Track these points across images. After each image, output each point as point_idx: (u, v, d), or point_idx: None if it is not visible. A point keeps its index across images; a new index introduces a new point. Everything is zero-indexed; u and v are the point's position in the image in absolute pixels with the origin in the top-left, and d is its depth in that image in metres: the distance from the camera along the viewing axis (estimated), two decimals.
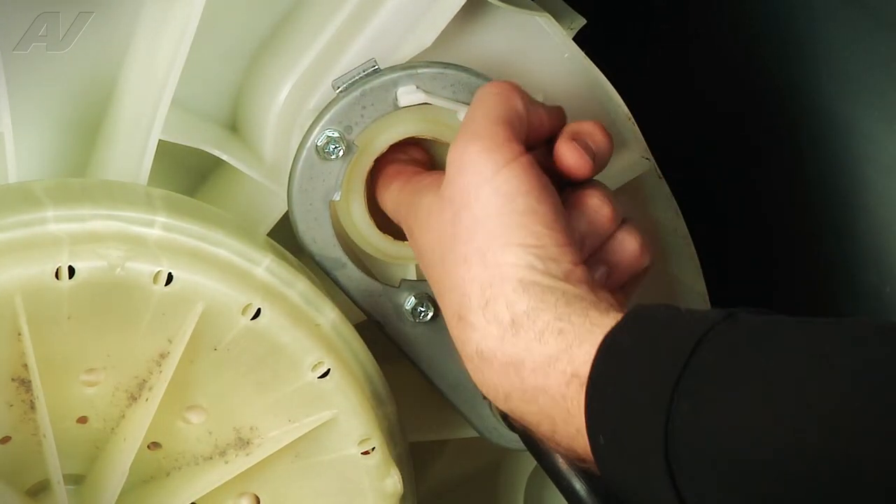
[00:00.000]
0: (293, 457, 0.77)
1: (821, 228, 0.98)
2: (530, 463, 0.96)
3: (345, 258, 0.82)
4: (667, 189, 0.90)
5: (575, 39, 0.87)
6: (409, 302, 0.83)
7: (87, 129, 0.84)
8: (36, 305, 0.71)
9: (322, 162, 0.80)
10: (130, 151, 0.81)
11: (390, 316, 0.84)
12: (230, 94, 0.86)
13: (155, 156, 0.80)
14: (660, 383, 0.61)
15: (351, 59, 0.81)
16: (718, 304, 0.94)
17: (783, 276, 1.03)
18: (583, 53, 0.86)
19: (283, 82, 0.83)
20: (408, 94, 0.79)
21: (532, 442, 0.82)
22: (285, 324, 0.74)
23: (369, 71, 0.80)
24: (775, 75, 0.98)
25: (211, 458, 0.77)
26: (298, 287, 0.77)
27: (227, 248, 0.76)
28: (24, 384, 0.72)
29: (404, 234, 0.84)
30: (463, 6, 0.81)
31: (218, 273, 0.74)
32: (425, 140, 0.83)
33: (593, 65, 0.86)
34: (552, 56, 0.85)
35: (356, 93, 0.80)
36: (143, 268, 0.72)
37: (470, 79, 0.80)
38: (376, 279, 0.83)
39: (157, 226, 0.75)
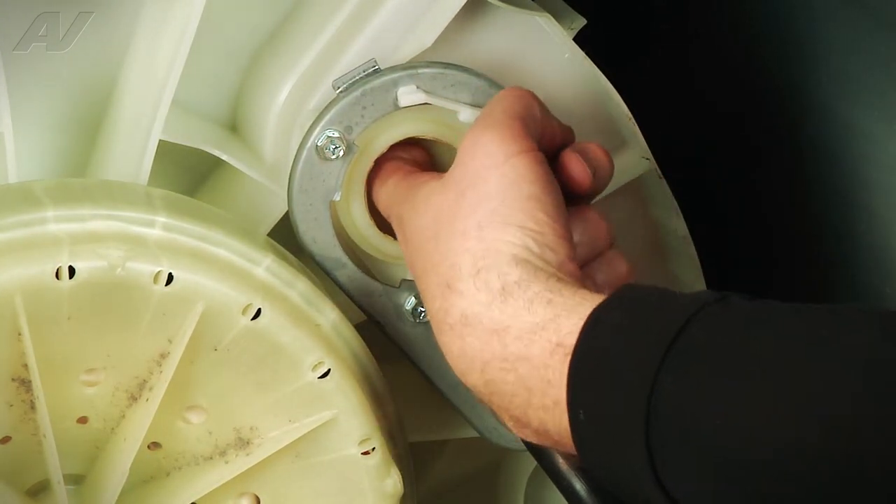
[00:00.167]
0: (293, 457, 0.77)
1: (821, 228, 0.98)
2: (530, 463, 0.96)
3: (345, 258, 0.82)
4: (667, 189, 0.90)
5: (575, 39, 0.87)
6: (409, 302, 0.83)
7: (87, 129, 0.84)
8: (36, 305, 0.71)
9: (322, 162, 0.80)
10: (130, 151, 0.81)
11: (390, 316, 0.84)
12: (230, 94, 0.86)
13: (155, 156, 0.80)
14: (646, 360, 0.61)
15: (351, 59, 0.81)
16: None
17: (783, 276, 1.03)
18: (583, 53, 0.86)
19: (283, 82, 0.83)
20: (408, 95, 0.79)
21: (532, 442, 0.82)
22: (285, 324, 0.74)
23: (369, 71, 0.80)
24: (775, 75, 0.98)
25: (211, 458, 0.77)
26: (299, 287, 0.77)
27: (228, 248, 0.76)
28: (24, 384, 0.72)
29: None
30: (463, 6, 0.81)
31: (218, 273, 0.74)
32: (425, 140, 0.83)
33: (593, 65, 0.86)
34: (552, 56, 0.85)
35: (356, 93, 0.80)
36: (144, 268, 0.72)
37: (470, 79, 0.80)
38: (376, 279, 0.83)
39: (158, 226, 0.75)
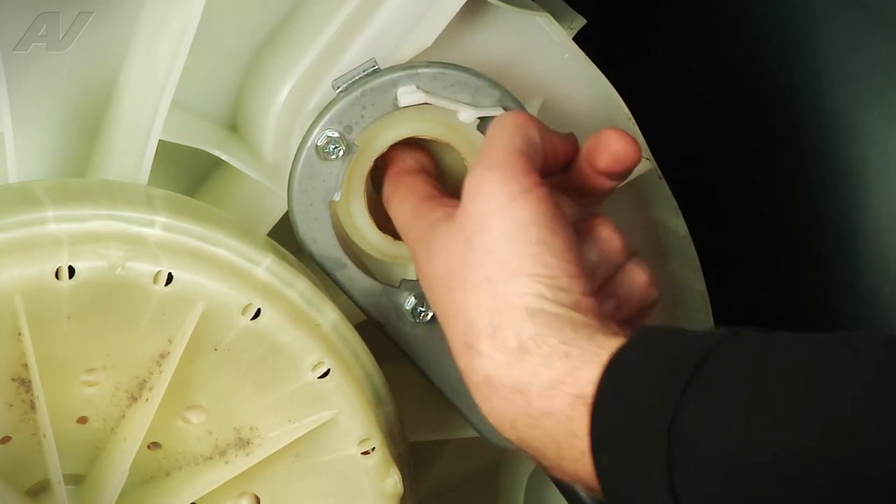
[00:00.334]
0: (293, 457, 0.77)
1: (821, 228, 0.98)
2: (530, 463, 0.96)
3: (345, 258, 0.82)
4: (667, 189, 0.90)
5: (575, 39, 0.87)
6: (409, 302, 0.83)
7: (87, 129, 0.84)
8: (36, 305, 0.71)
9: (322, 162, 0.80)
10: (130, 151, 0.81)
11: (390, 316, 0.84)
12: (230, 94, 0.86)
13: (155, 156, 0.80)
14: (663, 400, 0.61)
15: (351, 59, 0.81)
16: (719, 304, 0.95)
17: (783, 276, 1.03)
18: (583, 53, 0.85)
19: (283, 82, 0.83)
20: (408, 94, 0.79)
21: None
22: (285, 324, 0.74)
23: (369, 71, 0.80)
24: (775, 75, 0.98)
25: (211, 458, 0.77)
26: (298, 287, 0.77)
27: (228, 248, 0.76)
28: (24, 384, 0.72)
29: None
30: (463, 6, 0.81)
31: (218, 273, 0.74)
32: (425, 140, 0.83)
33: (593, 65, 0.86)
34: (552, 56, 0.85)
35: (356, 93, 0.80)
36: (144, 268, 0.72)
37: (470, 79, 0.80)
38: (376, 279, 0.83)
39: (158, 226, 0.75)
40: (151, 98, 0.80)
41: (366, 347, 0.80)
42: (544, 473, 0.81)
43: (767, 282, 1.05)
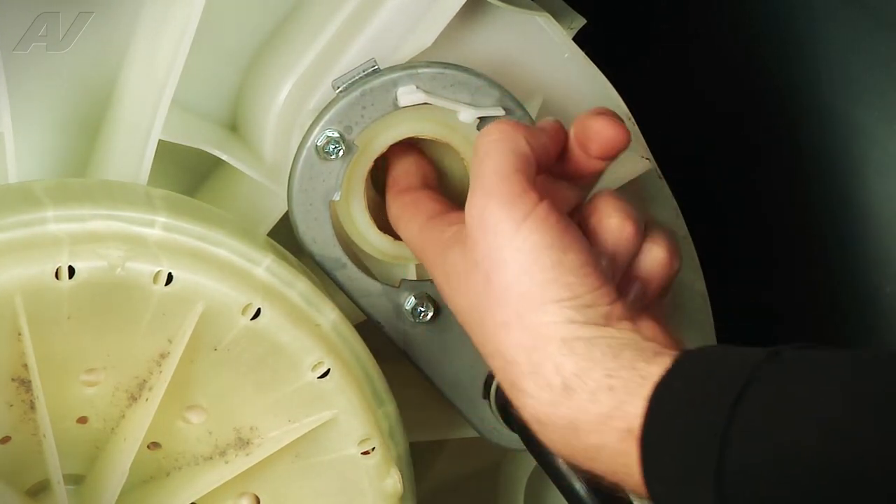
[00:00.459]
0: (293, 457, 0.77)
1: (821, 228, 0.98)
2: (530, 463, 0.96)
3: (345, 258, 0.82)
4: (667, 189, 0.90)
5: (575, 39, 0.87)
6: (409, 302, 0.83)
7: (87, 129, 0.84)
8: (36, 305, 0.71)
9: (322, 162, 0.80)
10: (130, 151, 0.81)
11: (390, 316, 0.84)
12: (230, 94, 0.86)
13: (155, 156, 0.80)
14: (709, 432, 0.61)
15: (351, 59, 0.81)
16: (719, 304, 0.94)
17: (783, 276, 1.03)
18: (583, 53, 0.85)
19: (283, 82, 0.83)
20: (408, 94, 0.79)
21: (532, 442, 0.82)
22: (285, 324, 0.74)
23: (369, 71, 0.80)
24: (775, 75, 0.98)
25: (211, 458, 0.77)
26: (298, 287, 0.77)
27: (228, 248, 0.76)
28: (24, 384, 0.72)
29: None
30: (463, 6, 0.81)
31: (218, 273, 0.74)
32: (425, 140, 0.83)
33: (593, 65, 0.86)
34: (552, 56, 0.85)
35: (356, 93, 0.80)
36: (144, 268, 0.72)
37: (469, 78, 0.80)
38: (376, 279, 0.83)
39: (158, 226, 0.75)
40: (151, 98, 0.80)
41: (366, 347, 0.80)
42: (544, 473, 0.81)
43: (767, 282, 1.04)
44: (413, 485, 0.82)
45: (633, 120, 0.87)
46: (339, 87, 0.80)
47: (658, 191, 0.90)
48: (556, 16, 0.86)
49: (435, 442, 0.95)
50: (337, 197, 0.81)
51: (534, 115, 0.82)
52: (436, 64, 0.80)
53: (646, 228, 0.75)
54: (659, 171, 0.89)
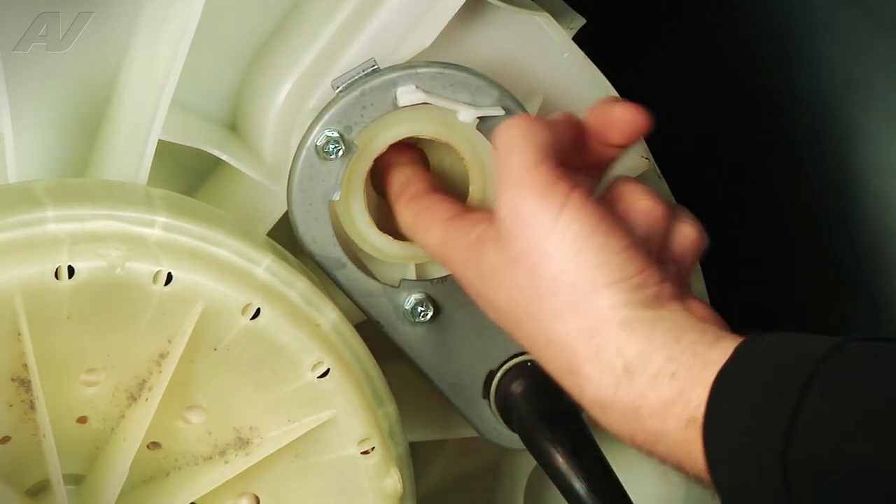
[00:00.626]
0: (293, 457, 0.77)
1: (821, 229, 0.98)
2: (530, 463, 0.96)
3: (345, 258, 0.82)
4: (667, 189, 0.90)
5: (575, 39, 0.87)
6: (409, 302, 0.83)
7: (87, 129, 0.84)
8: (36, 305, 0.71)
9: (322, 162, 0.80)
10: (130, 151, 0.81)
11: (390, 316, 0.84)
12: (230, 94, 0.86)
13: (155, 156, 0.80)
14: (772, 428, 0.60)
15: (351, 58, 0.81)
16: (719, 304, 0.94)
17: (783, 276, 1.03)
18: (583, 53, 0.86)
19: (283, 82, 0.83)
20: (407, 94, 0.79)
21: (532, 442, 0.82)
22: (285, 324, 0.74)
23: (369, 71, 0.80)
24: (775, 75, 0.98)
25: (211, 458, 0.77)
26: (298, 287, 0.77)
27: (227, 248, 0.76)
28: (24, 384, 0.72)
29: (404, 235, 0.84)
30: (462, 6, 0.81)
31: (218, 273, 0.74)
32: (425, 140, 0.83)
33: (593, 65, 0.86)
34: (552, 56, 0.85)
35: (356, 93, 0.80)
36: (143, 268, 0.72)
37: (469, 78, 0.80)
38: (376, 279, 0.83)
39: (158, 226, 0.75)
40: (151, 98, 0.80)
41: (366, 347, 0.80)
42: (544, 473, 0.81)
43: (767, 282, 1.04)
44: (413, 485, 0.82)
45: None
46: (338, 87, 0.80)
47: (658, 191, 0.89)
48: (556, 16, 0.86)
49: (435, 442, 0.95)
50: (337, 197, 0.81)
51: (533, 115, 0.82)
52: (435, 64, 0.80)
53: (673, 209, 0.75)
54: (658, 171, 0.89)
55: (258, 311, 0.74)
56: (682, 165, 0.92)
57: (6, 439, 0.74)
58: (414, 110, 0.80)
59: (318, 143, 0.80)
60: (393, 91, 0.80)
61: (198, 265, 0.73)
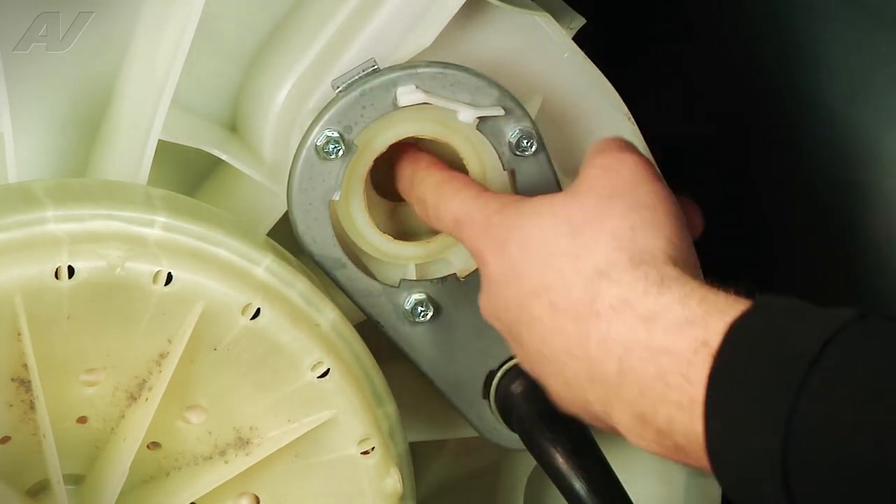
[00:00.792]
0: (293, 457, 0.77)
1: (821, 229, 0.98)
2: (530, 463, 0.96)
3: (344, 258, 0.82)
4: None
5: (575, 39, 0.87)
6: (409, 302, 0.83)
7: (87, 129, 0.84)
8: (36, 305, 0.71)
9: (322, 162, 0.80)
10: (130, 151, 0.81)
11: (390, 316, 0.84)
12: (230, 94, 0.86)
13: (155, 156, 0.80)
14: (787, 380, 0.60)
15: (351, 58, 0.81)
16: None
17: (783, 276, 1.03)
18: (582, 53, 0.86)
19: (283, 82, 0.83)
20: (407, 94, 0.79)
21: (532, 442, 0.82)
22: (285, 324, 0.74)
23: (369, 71, 0.80)
24: (775, 75, 0.98)
25: (211, 458, 0.77)
26: (298, 287, 0.77)
27: (227, 248, 0.76)
28: (24, 384, 0.72)
29: (404, 235, 0.84)
30: (462, 6, 0.81)
31: (218, 273, 0.74)
32: (425, 140, 0.83)
33: (593, 65, 0.86)
34: (552, 56, 0.85)
35: (356, 93, 0.80)
36: (143, 268, 0.72)
37: (469, 78, 0.80)
38: (376, 279, 0.83)
39: (157, 226, 0.75)
40: (151, 98, 0.80)
41: (366, 347, 0.80)
42: (544, 473, 0.81)
43: (767, 282, 1.04)
44: (413, 485, 0.82)
45: (632, 120, 0.87)
46: (338, 87, 0.80)
47: None
48: (556, 16, 0.86)
49: (435, 442, 0.95)
50: (337, 197, 0.81)
51: (533, 115, 0.82)
52: (435, 64, 0.80)
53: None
54: (658, 171, 0.89)
55: (258, 311, 0.74)
56: (682, 165, 0.92)
57: (6, 439, 0.74)
58: (414, 110, 0.80)
59: (318, 143, 0.80)
60: (393, 91, 0.80)
61: (198, 265, 0.73)
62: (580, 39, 0.87)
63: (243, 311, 0.73)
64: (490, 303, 0.75)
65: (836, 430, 0.58)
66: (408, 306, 0.83)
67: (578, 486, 0.79)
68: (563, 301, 0.70)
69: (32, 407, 0.73)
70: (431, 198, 0.79)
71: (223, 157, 0.83)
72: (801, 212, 0.99)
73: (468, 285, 0.83)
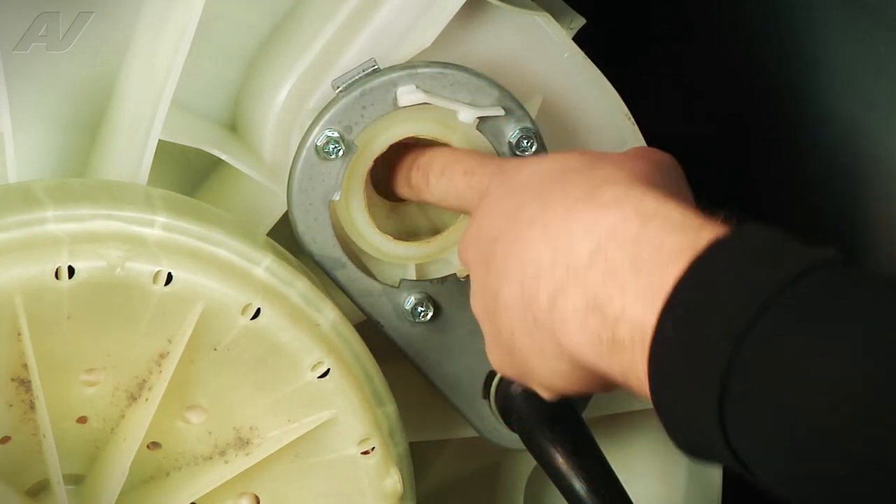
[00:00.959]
0: (293, 457, 0.77)
1: (821, 229, 0.98)
2: (530, 463, 0.96)
3: (344, 258, 0.82)
4: None
5: (575, 39, 0.87)
6: (409, 302, 0.83)
7: (87, 129, 0.84)
8: (36, 305, 0.71)
9: (322, 162, 0.80)
10: (130, 151, 0.81)
11: (390, 316, 0.84)
12: (230, 94, 0.86)
13: (155, 156, 0.80)
14: (743, 310, 0.59)
15: (351, 58, 0.81)
16: None
17: None
18: (583, 53, 0.86)
19: (283, 82, 0.83)
20: (407, 94, 0.79)
21: (532, 442, 0.82)
22: (285, 324, 0.74)
23: (369, 71, 0.80)
24: (775, 75, 0.98)
25: (211, 458, 0.77)
26: (298, 287, 0.77)
27: (227, 248, 0.76)
28: (24, 384, 0.72)
29: (404, 235, 0.84)
30: (462, 6, 0.81)
31: (218, 273, 0.74)
32: (425, 140, 0.83)
33: (593, 65, 0.86)
34: (552, 56, 0.85)
35: (356, 93, 0.80)
36: (143, 268, 0.72)
37: (469, 78, 0.80)
38: (376, 279, 0.83)
39: (157, 226, 0.75)
40: (151, 98, 0.80)
41: (366, 347, 0.80)
42: (544, 473, 0.81)
43: None
44: (413, 485, 0.82)
45: (632, 120, 0.87)
46: (338, 87, 0.80)
47: None
48: (556, 16, 0.86)
49: (435, 442, 0.95)
50: (337, 197, 0.81)
51: (533, 115, 0.82)
52: (435, 64, 0.80)
53: None
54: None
55: (258, 311, 0.74)
56: (681, 165, 0.92)
57: (6, 439, 0.74)
58: (414, 110, 0.80)
59: (319, 144, 0.80)
60: (393, 91, 0.80)
61: (198, 265, 0.73)
62: (580, 39, 0.87)
63: (243, 311, 0.73)
64: (475, 230, 0.74)
65: (775, 374, 0.57)
66: (408, 306, 0.83)
67: (578, 486, 0.79)
68: (559, 197, 0.69)
69: (32, 407, 0.73)
70: (441, 170, 0.79)
71: (223, 157, 0.83)
72: (801, 212, 0.99)
73: (468, 285, 0.83)
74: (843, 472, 0.56)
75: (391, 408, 0.81)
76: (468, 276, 0.83)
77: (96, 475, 0.76)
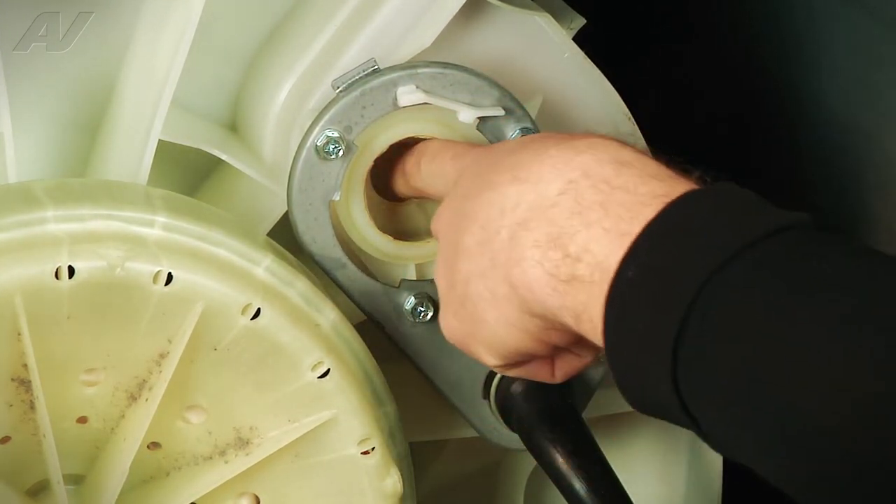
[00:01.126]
0: (293, 457, 0.77)
1: (821, 229, 0.98)
2: (530, 463, 0.96)
3: (345, 258, 0.82)
4: None
5: (575, 39, 0.87)
6: (409, 302, 0.83)
7: (87, 129, 0.84)
8: (36, 305, 0.71)
9: (322, 162, 0.80)
10: (130, 151, 0.81)
11: (390, 316, 0.84)
12: (230, 94, 0.86)
13: (155, 156, 0.80)
14: (704, 263, 0.58)
15: (351, 58, 0.81)
16: None
17: None
18: (583, 53, 0.86)
19: (283, 82, 0.83)
20: (407, 94, 0.79)
21: (532, 442, 0.82)
22: (285, 324, 0.74)
23: (369, 71, 0.80)
24: (775, 75, 0.98)
25: (211, 458, 0.77)
26: (298, 287, 0.77)
27: (227, 248, 0.76)
28: (24, 384, 0.72)
29: (404, 235, 0.84)
30: (462, 6, 0.81)
31: (218, 273, 0.74)
32: (424, 140, 0.83)
33: (593, 65, 0.86)
34: (552, 56, 0.85)
35: (356, 93, 0.80)
36: (143, 268, 0.72)
37: (469, 78, 0.80)
38: (376, 279, 0.83)
39: (157, 226, 0.75)
40: (151, 98, 0.80)
41: (366, 347, 0.80)
42: (544, 473, 0.81)
43: None
44: (413, 485, 0.82)
45: (632, 120, 0.87)
46: (338, 87, 0.80)
47: None
48: (556, 16, 0.86)
49: (435, 442, 0.95)
50: (337, 197, 0.81)
51: (534, 115, 0.82)
52: (435, 64, 0.80)
53: None
54: None
55: (258, 311, 0.74)
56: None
57: (6, 439, 0.74)
58: (414, 110, 0.80)
59: (319, 144, 0.80)
60: (393, 91, 0.80)
61: (198, 265, 0.73)
62: (580, 39, 0.87)
63: (243, 311, 0.73)
64: (449, 198, 0.73)
65: (730, 331, 0.57)
66: (408, 306, 0.83)
67: (578, 486, 0.79)
68: (533, 148, 0.68)
69: (32, 407, 0.73)
70: (433, 154, 0.79)
71: (223, 157, 0.83)
72: (801, 211, 0.99)
73: None
74: (792, 431, 0.55)
75: (391, 408, 0.81)
76: None
77: (96, 475, 0.76)
